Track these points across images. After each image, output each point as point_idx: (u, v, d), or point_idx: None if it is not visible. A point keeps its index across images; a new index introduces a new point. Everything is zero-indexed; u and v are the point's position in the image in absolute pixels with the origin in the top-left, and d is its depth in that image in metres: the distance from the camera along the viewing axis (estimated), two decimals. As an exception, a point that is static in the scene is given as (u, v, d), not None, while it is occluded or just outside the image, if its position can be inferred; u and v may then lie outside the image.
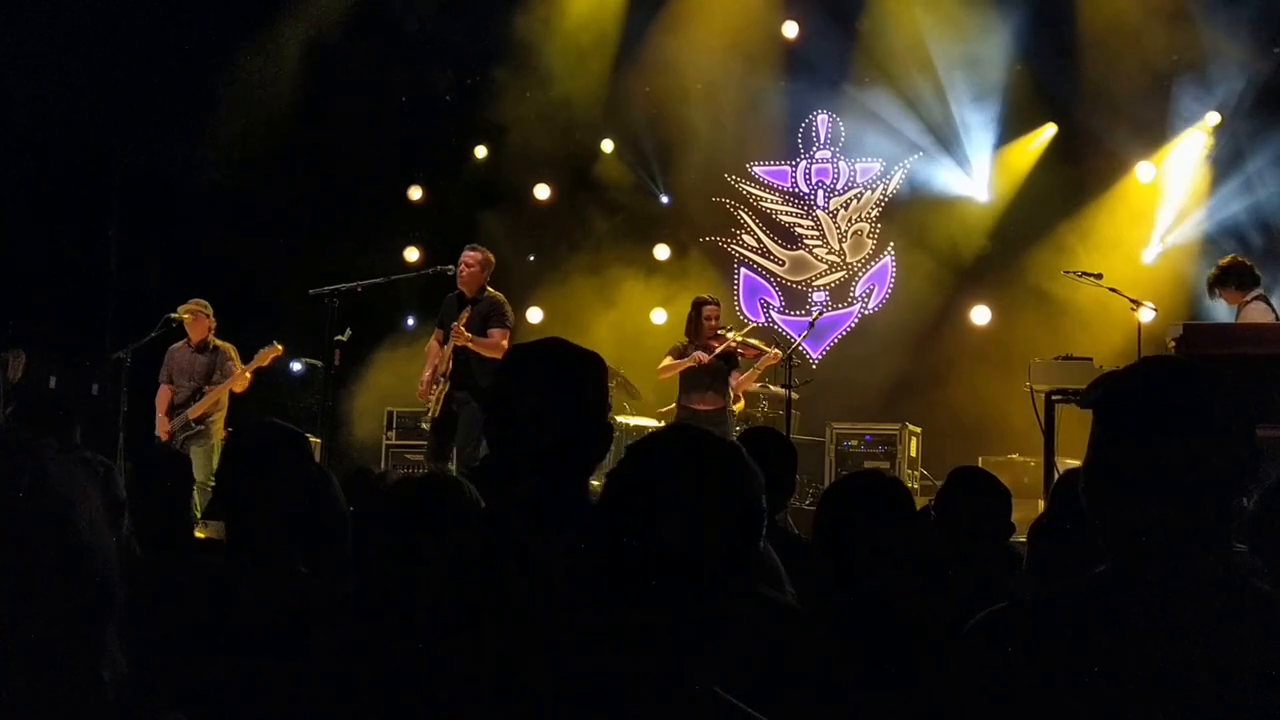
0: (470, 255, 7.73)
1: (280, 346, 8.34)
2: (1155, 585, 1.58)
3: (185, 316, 8.28)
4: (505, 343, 7.48)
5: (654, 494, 1.56)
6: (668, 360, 8.65)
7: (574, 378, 2.06)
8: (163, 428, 8.22)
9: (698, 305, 8.71)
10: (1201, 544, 1.59)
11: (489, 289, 7.69)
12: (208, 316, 8.35)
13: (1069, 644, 1.58)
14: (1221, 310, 7.54)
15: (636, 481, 1.61)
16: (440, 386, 7.51)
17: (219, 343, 8.37)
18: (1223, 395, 1.64)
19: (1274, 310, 7.40)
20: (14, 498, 0.98)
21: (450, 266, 7.78)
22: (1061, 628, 1.61)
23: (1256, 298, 7.27)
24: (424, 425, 8.14)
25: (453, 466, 8.01)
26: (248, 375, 8.26)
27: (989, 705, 1.61)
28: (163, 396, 8.34)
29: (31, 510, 0.98)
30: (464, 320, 7.42)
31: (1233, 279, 7.31)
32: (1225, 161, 10.06)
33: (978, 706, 1.63)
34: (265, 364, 8.34)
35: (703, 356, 8.49)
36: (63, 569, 0.98)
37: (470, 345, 7.41)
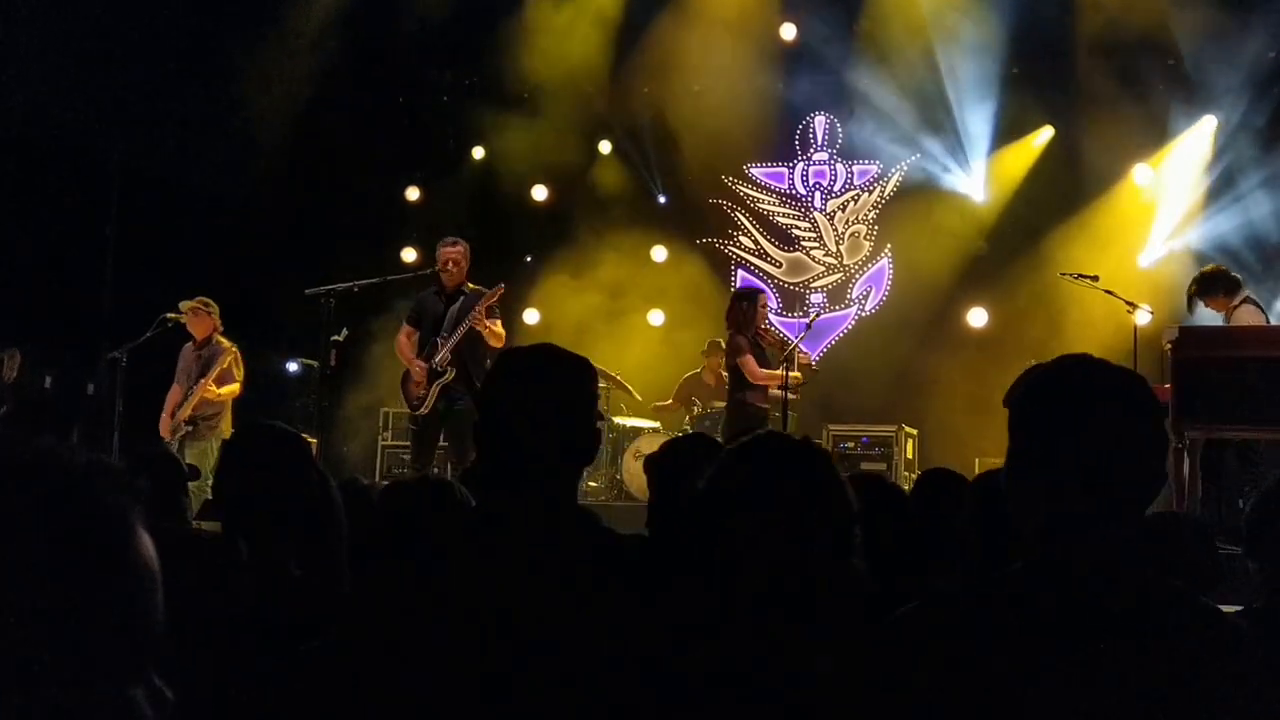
0: (454, 250, 7.63)
1: (235, 349, 8.27)
2: (1065, 580, 1.59)
3: (185, 314, 8.26)
4: (503, 331, 7.52)
5: (754, 511, 1.60)
6: (749, 361, 7.88)
7: (564, 382, 2.09)
8: (164, 427, 8.20)
9: (751, 296, 8.22)
10: (1113, 539, 1.60)
11: (469, 283, 7.65)
12: (209, 314, 8.30)
13: (980, 640, 1.59)
14: (1209, 318, 7.53)
15: (735, 498, 1.64)
16: (438, 382, 7.47)
17: (221, 341, 8.32)
18: (1133, 393, 1.65)
19: (1264, 312, 7.39)
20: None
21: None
22: (973, 624, 1.62)
23: (1245, 300, 7.26)
24: (411, 425, 8.09)
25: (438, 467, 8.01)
26: (214, 387, 8.12)
27: (900, 700, 1.61)
28: (170, 396, 8.31)
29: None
30: (484, 306, 7.37)
31: (1221, 286, 7.30)
32: (1222, 165, 10.07)
33: (891, 701, 1.63)
34: (228, 364, 8.17)
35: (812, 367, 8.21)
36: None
37: (485, 329, 7.37)
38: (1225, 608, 2.94)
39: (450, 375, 7.43)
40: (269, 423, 2.84)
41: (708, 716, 1.72)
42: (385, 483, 4.65)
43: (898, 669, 1.64)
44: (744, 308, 8.10)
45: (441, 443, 7.80)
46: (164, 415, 8.24)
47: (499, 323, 7.55)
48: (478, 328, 7.39)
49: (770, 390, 8.09)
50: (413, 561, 2.15)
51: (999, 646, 1.57)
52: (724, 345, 10.20)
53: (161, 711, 0.93)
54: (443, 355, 7.45)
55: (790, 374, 8.07)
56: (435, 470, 8.35)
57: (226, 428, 8.15)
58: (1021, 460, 1.66)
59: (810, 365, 8.46)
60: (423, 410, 7.55)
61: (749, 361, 7.91)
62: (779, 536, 1.65)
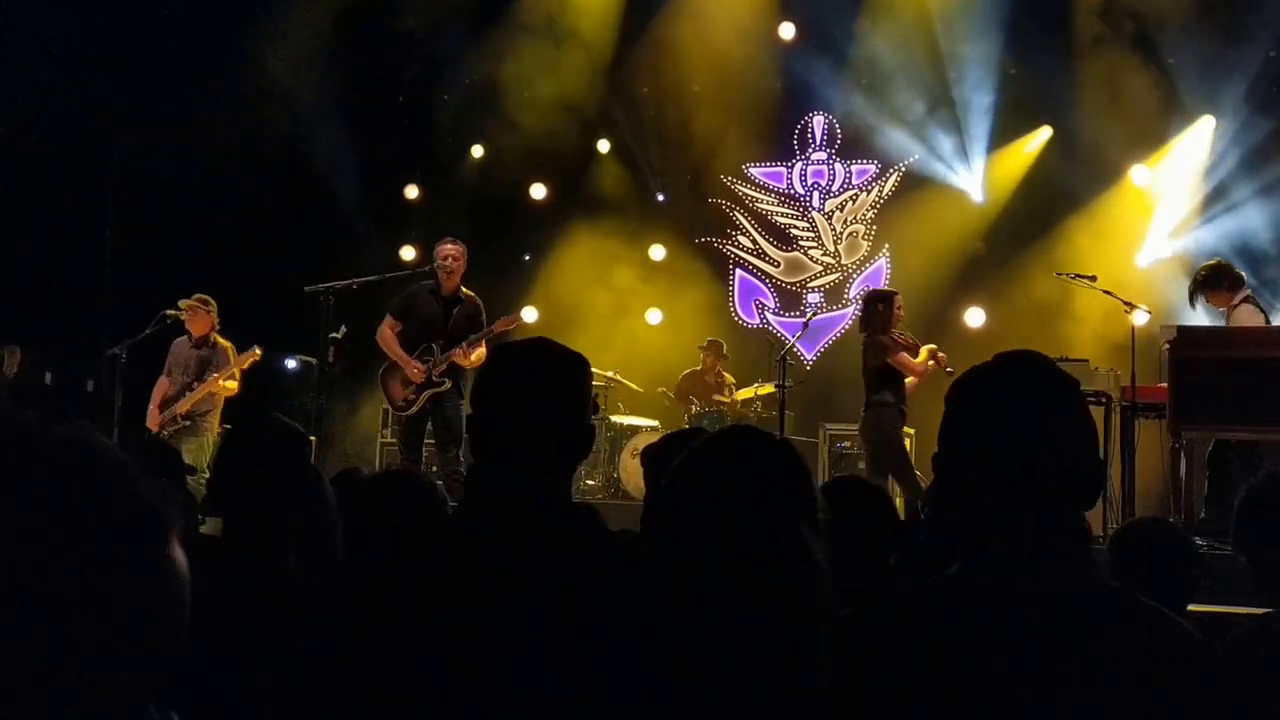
0: (453, 249, 7.61)
1: (259, 350, 8.26)
2: (998, 583, 1.57)
3: (184, 312, 8.27)
4: (484, 349, 7.42)
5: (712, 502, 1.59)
6: (905, 357, 7.61)
7: (557, 378, 2.05)
8: (152, 419, 8.17)
9: (887, 298, 7.89)
10: (1044, 542, 1.57)
11: (464, 288, 7.66)
12: (208, 312, 8.31)
13: (915, 644, 1.57)
14: (1214, 316, 7.53)
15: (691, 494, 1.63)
16: (429, 391, 7.46)
17: (219, 340, 8.34)
18: (1060, 391, 1.62)
19: (1263, 311, 7.38)
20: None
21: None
22: (910, 628, 1.60)
23: (1245, 299, 7.26)
24: (396, 424, 8.09)
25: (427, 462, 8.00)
26: (224, 382, 8.17)
27: (838, 708, 1.60)
28: (158, 388, 8.28)
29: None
30: (476, 343, 7.39)
31: (1224, 281, 7.28)
32: (1221, 165, 10.08)
33: (830, 708, 1.62)
34: (244, 367, 8.23)
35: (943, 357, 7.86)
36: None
37: (468, 365, 7.35)
38: (1234, 609, 2.96)
39: (447, 386, 7.44)
40: (270, 416, 2.81)
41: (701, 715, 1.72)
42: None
43: (838, 674, 1.63)
44: (880, 309, 7.78)
45: (429, 440, 7.83)
46: (151, 408, 8.21)
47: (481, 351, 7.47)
48: (462, 364, 7.34)
49: (907, 386, 7.77)
50: (408, 560, 2.14)
51: (933, 650, 1.55)
52: (720, 345, 10.25)
53: None
54: (441, 367, 7.44)
55: (939, 355, 7.77)
56: (434, 469, 8.37)
57: (217, 423, 8.20)
58: (950, 459, 1.64)
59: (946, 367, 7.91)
60: (410, 412, 7.55)
61: (905, 358, 7.61)
62: (742, 531, 1.63)
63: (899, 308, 7.86)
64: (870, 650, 1.60)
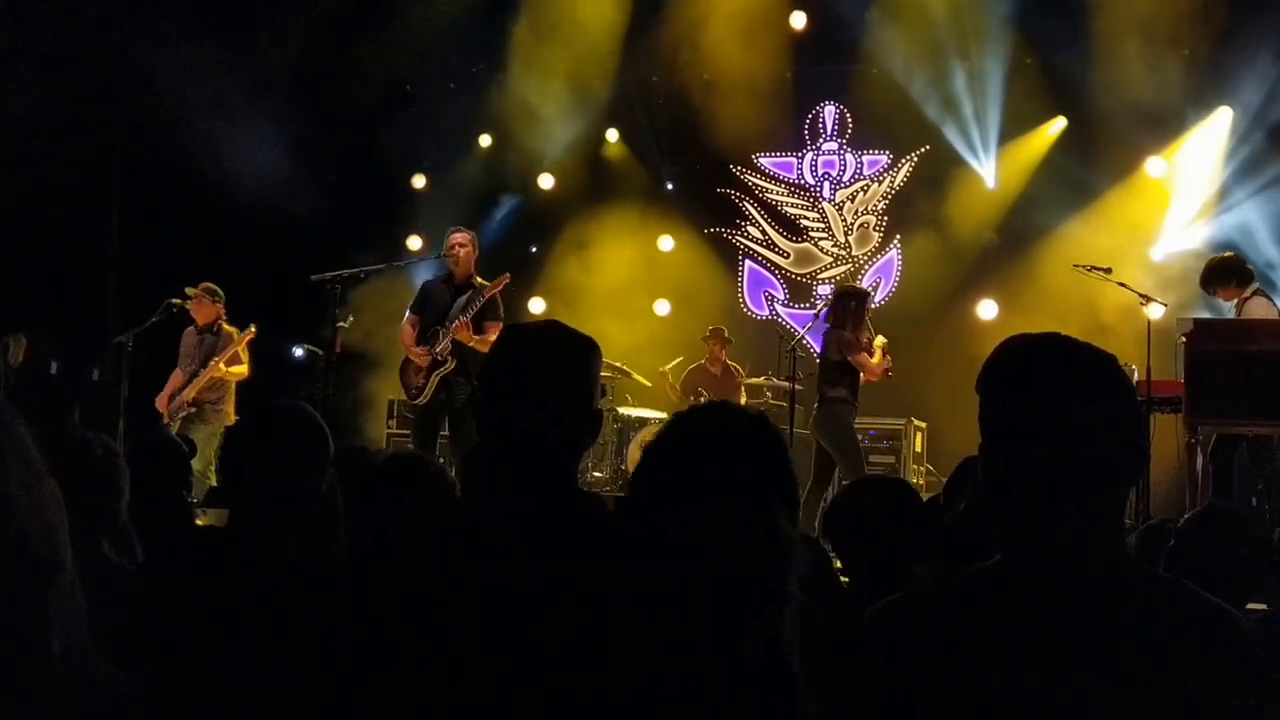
0: (461, 236, 7.62)
1: (254, 328, 8.31)
2: (1042, 574, 1.53)
3: (190, 301, 8.29)
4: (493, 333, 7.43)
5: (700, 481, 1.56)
6: (865, 357, 7.64)
7: (568, 360, 2.03)
8: (161, 405, 8.26)
9: (860, 296, 7.95)
10: (1089, 530, 1.53)
11: (478, 277, 7.63)
12: (214, 302, 8.34)
13: (957, 636, 1.54)
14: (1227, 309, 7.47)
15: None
16: (438, 372, 7.45)
17: (226, 327, 8.38)
18: (1104, 372, 1.57)
19: (1275, 305, 7.32)
20: None
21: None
22: (951, 619, 1.56)
23: (1255, 292, 7.20)
24: (409, 414, 8.06)
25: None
26: (227, 366, 8.19)
27: (881, 697, 1.57)
28: (172, 379, 8.39)
29: None
30: (470, 316, 7.38)
31: (1233, 275, 7.24)
32: (1238, 158, 9.98)
33: (871, 697, 1.58)
34: (241, 346, 8.25)
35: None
36: None
37: (472, 343, 7.34)
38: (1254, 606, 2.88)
39: (450, 365, 7.41)
40: (290, 403, 2.71)
41: (690, 702, 1.68)
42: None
43: (872, 664, 1.59)
44: (851, 306, 7.78)
45: (444, 433, 7.78)
46: (163, 395, 8.33)
47: (492, 325, 7.42)
48: (460, 337, 7.32)
49: (861, 384, 7.77)
50: (412, 544, 2.10)
51: (975, 641, 1.52)
52: (722, 331, 10.16)
53: None
54: (444, 344, 7.42)
55: (888, 353, 7.75)
56: (441, 460, 8.33)
57: (231, 411, 8.21)
58: (991, 448, 1.59)
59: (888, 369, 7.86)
60: (421, 400, 7.54)
61: (865, 359, 7.63)
62: (723, 518, 1.60)
63: (869, 311, 7.90)
64: (906, 643, 1.57)
